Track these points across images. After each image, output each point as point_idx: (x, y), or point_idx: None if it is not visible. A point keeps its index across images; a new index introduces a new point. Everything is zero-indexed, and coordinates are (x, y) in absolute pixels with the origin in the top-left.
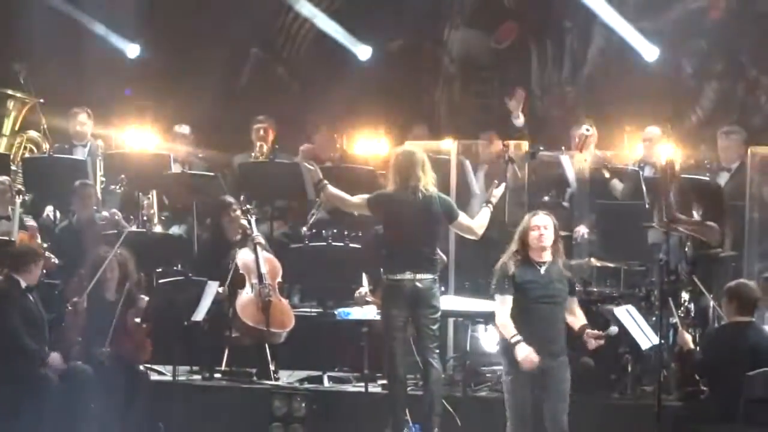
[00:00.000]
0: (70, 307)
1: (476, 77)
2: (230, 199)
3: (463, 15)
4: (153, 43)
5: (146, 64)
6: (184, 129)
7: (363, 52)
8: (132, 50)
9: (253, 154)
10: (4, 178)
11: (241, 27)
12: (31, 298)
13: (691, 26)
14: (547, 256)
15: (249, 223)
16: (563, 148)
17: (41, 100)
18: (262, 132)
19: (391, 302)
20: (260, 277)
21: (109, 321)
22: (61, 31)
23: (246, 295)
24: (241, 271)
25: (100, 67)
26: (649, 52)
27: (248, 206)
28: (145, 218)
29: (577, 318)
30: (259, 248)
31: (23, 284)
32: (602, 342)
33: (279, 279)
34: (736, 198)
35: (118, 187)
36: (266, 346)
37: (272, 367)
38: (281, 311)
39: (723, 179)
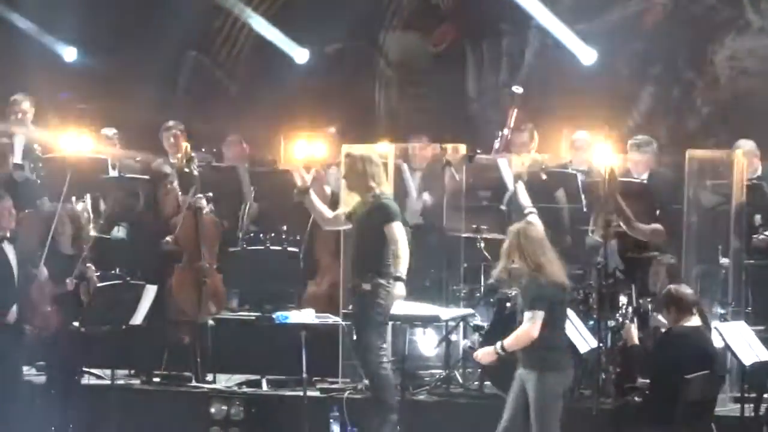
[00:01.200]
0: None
1: (413, 80)
2: (166, 169)
3: (400, 18)
4: (90, 47)
5: (83, 68)
6: (109, 131)
7: (300, 55)
8: (69, 53)
9: (172, 161)
10: None
11: (179, 30)
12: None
13: (627, 29)
14: None
15: (191, 174)
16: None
17: None
18: (172, 139)
19: None
20: (198, 251)
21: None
22: None
23: (181, 271)
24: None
25: (37, 70)
26: (587, 55)
27: (192, 156)
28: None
29: None
30: (198, 214)
31: None
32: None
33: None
34: None
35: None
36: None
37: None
38: (215, 293)
39: None
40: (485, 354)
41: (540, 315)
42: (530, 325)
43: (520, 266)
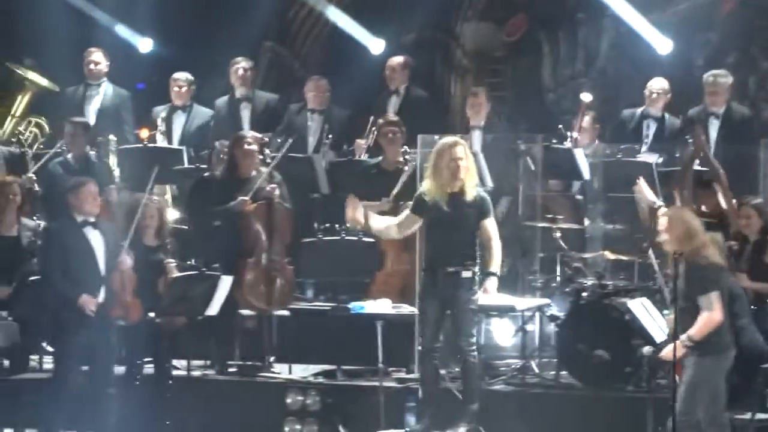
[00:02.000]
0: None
1: (489, 70)
2: (245, 132)
3: (475, 8)
4: (166, 38)
5: (160, 59)
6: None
7: (376, 45)
8: (144, 44)
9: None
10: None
11: (255, 20)
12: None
13: (700, 19)
14: None
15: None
16: (573, 137)
17: (57, 89)
18: (240, 71)
19: None
20: (269, 245)
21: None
22: (74, 26)
23: (253, 265)
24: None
25: (112, 61)
26: (663, 44)
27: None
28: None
29: None
30: (275, 203)
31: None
32: None
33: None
34: None
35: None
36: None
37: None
38: (285, 286)
39: None
40: (672, 351)
41: (716, 296)
42: (711, 309)
43: (682, 249)
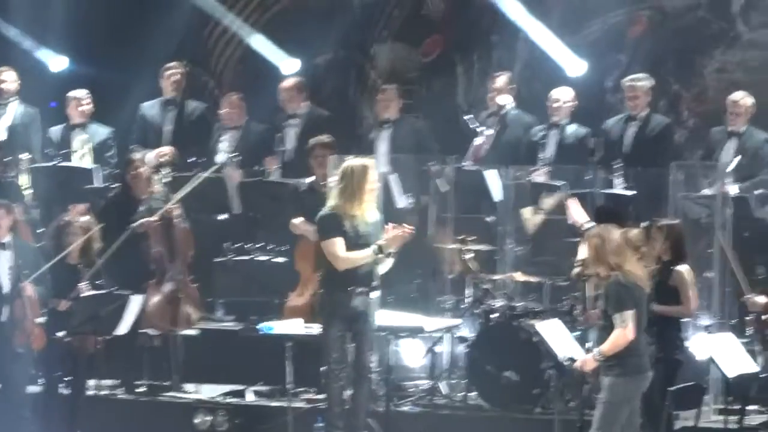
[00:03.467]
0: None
1: (403, 90)
2: (135, 155)
3: (391, 28)
4: (79, 56)
5: (73, 78)
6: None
7: (290, 65)
8: (58, 63)
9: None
10: None
11: (169, 39)
12: None
13: (611, 41)
14: None
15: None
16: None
17: None
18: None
19: None
20: (171, 265)
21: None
22: None
23: (154, 285)
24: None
25: (24, 79)
26: (575, 66)
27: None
28: None
29: None
30: (174, 223)
31: None
32: None
33: (191, 253)
34: None
35: None
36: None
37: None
38: (190, 305)
39: None
40: (586, 362)
41: (630, 314)
42: (624, 327)
43: (600, 269)
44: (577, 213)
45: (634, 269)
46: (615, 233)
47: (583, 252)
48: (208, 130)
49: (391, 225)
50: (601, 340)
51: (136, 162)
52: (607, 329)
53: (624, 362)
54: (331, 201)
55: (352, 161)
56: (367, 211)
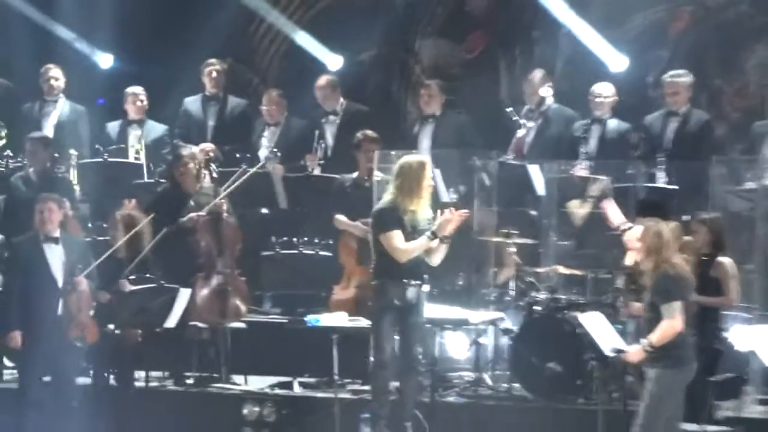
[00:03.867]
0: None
1: (447, 86)
2: (184, 151)
3: (434, 25)
4: (126, 54)
5: (119, 75)
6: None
7: (334, 61)
8: (105, 60)
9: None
10: None
11: (214, 36)
12: None
13: (652, 36)
14: None
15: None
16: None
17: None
18: (214, 74)
19: None
20: (219, 259)
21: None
22: (37, 40)
23: (203, 279)
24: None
25: (73, 76)
26: (617, 61)
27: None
28: None
29: None
30: (223, 218)
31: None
32: None
33: (239, 247)
34: None
35: None
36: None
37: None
38: (238, 298)
39: None
40: (635, 353)
41: (678, 305)
42: (672, 318)
43: (650, 262)
44: (614, 214)
45: (680, 261)
46: (666, 227)
47: (632, 249)
48: (249, 126)
49: (444, 210)
50: (644, 333)
51: (184, 158)
52: (652, 321)
53: (671, 354)
54: (389, 196)
55: (409, 157)
56: (423, 207)
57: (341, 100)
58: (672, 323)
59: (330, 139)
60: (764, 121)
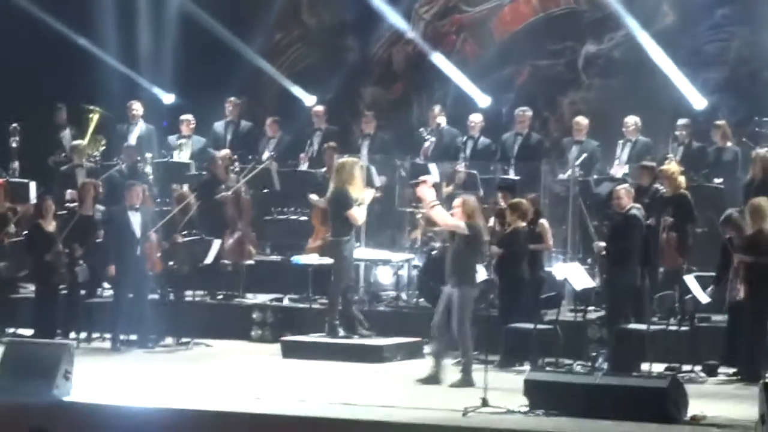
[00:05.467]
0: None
1: (379, 116)
2: (217, 154)
3: (372, 78)
4: (181, 93)
5: (176, 106)
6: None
7: (309, 99)
8: (167, 98)
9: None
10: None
11: (235, 81)
12: None
13: (505, 84)
14: None
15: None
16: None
17: (112, 116)
18: (230, 107)
19: None
20: (240, 221)
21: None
22: (125, 85)
23: (229, 234)
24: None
25: (147, 107)
26: (484, 100)
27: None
28: None
29: None
30: (242, 196)
31: None
32: None
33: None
34: None
35: None
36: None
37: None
38: (251, 246)
39: None
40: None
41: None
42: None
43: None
44: (429, 194)
45: (482, 220)
46: (473, 199)
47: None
48: (254, 140)
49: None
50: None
51: (218, 159)
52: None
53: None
54: (339, 183)
55: (345, 159)
56: (357, 188)
57: (324, 122)
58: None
59: (316, 146)
60: (569, 138)
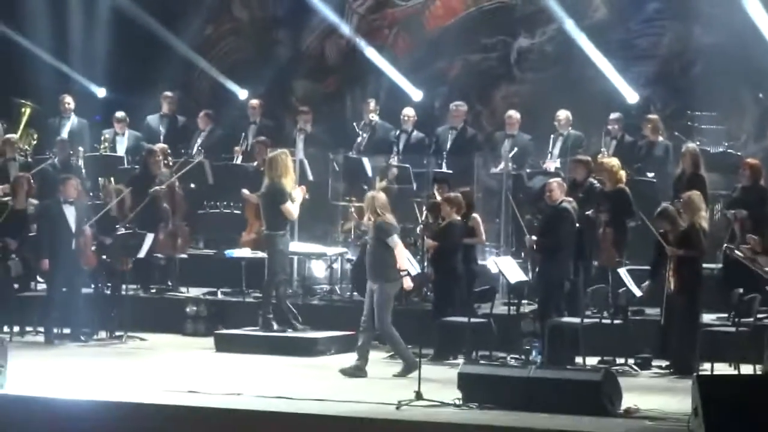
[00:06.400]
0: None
1: (312, 110)
2: (153, 148)
3: (304, 71)
4: (114, 87)
5: (109, 100)
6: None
7: (242, 93)
8: (100, 91)
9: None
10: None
11: (169, 75)
12: None
13: (439, 78)
14: None
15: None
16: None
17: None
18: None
19: None
20: (173, 215)
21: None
22: (57, 79)
23: (162, 228)
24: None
25: (80, 101)
26: (416, 94)
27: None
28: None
29: None
30: (175, 190)
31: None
32: None
33: (184, 208)
34: None
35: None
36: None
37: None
38: (183, 240)
39: None
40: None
41: (396, 237)
42: (398, 244)
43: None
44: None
45: (390, 216)
46: (380, 194)
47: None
48: (189, 134)
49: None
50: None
51: (154, 152)
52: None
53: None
54: (275, 179)
55: (277, 152)
56: (290, 182)
57: (260, 116)
58: (400, 247)
59: (251, 140)
60: (501, 132)
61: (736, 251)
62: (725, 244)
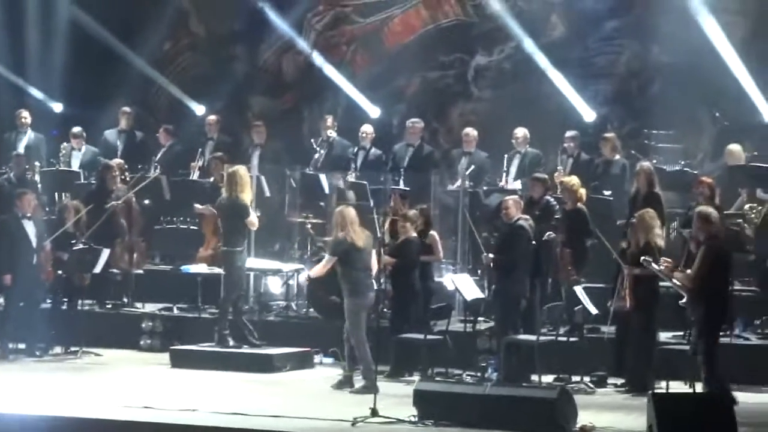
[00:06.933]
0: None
1: (269, 126)
2: (110, 163)
3: (261, 87)
4: (71, 102)
5: (66, 115)
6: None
7: (198, 109)
8: (57, 106)
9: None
10: None
11: (127, 91)
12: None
13: (396, 95)
14: None
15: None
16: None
17: None
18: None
19: None
20: (129, 230)
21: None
22: (14, 94)
23: (119, 243)
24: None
25: (36, 115)
26: (374, 111)
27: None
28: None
29: None
30: (132, 205)
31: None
32: None
33: (141, 223)
34: None
35: None
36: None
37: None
38: (140, 255)
39: None
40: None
41: (331, 258)
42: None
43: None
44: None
45: (358, 232)
46: (349, 210)
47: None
48: (147, 149)
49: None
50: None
51: (112, 168)
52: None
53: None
54: (233, 193)
55: (235, 168)
56: (248, 195)
57: (217, 132)
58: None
59: (207, 155)
60: (458, 149)
61: (653, 264)
62: (643, 257)
